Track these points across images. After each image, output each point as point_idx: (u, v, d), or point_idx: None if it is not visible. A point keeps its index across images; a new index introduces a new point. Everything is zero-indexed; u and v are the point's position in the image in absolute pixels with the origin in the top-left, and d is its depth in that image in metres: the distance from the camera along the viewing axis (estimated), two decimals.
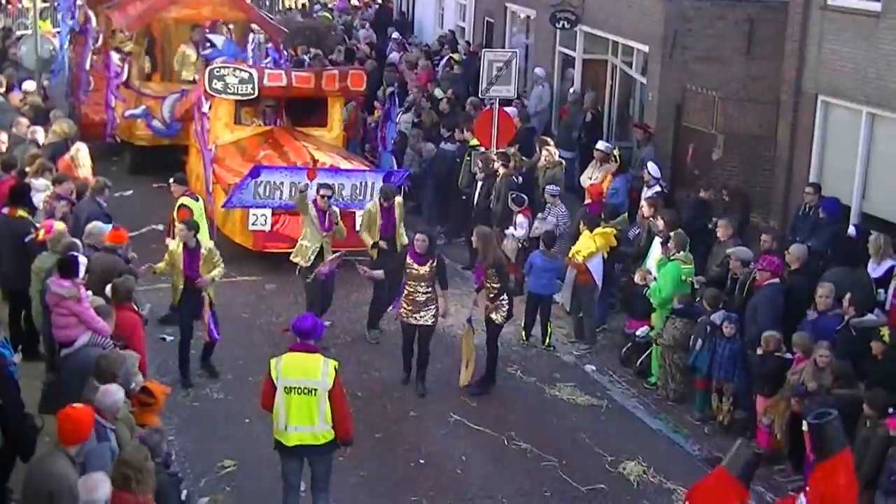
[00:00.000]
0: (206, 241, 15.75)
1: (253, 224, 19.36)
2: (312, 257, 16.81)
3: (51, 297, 12.69)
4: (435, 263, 15.44)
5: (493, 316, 15.72)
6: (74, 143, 19.42)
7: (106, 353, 11.27)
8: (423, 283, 15.36)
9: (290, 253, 17.39)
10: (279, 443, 11.43)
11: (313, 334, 11.53)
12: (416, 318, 15.46)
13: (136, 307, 13.14)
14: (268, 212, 19.27)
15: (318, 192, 17.08)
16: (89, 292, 12.88)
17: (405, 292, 15.51)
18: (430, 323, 15.52)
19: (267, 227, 19.37)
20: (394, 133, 21.64)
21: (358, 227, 18.22)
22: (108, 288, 13.04)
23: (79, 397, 10.10)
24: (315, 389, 11.14)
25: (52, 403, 12.54)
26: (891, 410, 11.88)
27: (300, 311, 17.46)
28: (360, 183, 19.53)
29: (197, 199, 17.60)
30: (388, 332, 17.30)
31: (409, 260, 15.42)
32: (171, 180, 17.67)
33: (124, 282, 12.97)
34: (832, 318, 13.81)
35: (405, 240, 17.06)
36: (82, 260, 13.23)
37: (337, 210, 17.12)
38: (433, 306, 15.48)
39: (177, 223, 16.14)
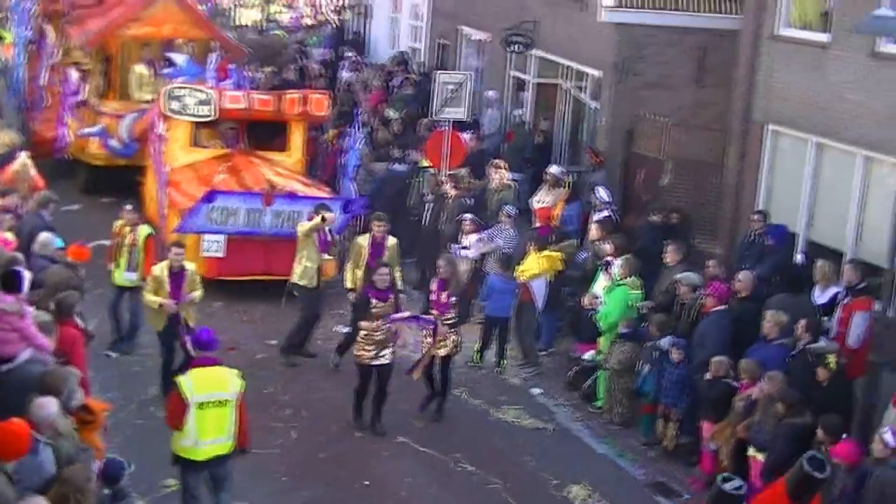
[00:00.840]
0: (188, 263, 15.64)
1: (206, 250, 18.85)
2: (316, 278, 16.91)
3: None
4: (394, 297, 15.08)
5: (443, 350, 15.39)
6: (20, 155, 19.27)
7: (50, 370, 11.12)
8: (383, 321, 14.82)
9: (249, 286, 17.18)
10: (184, 459, 11.50)
11: (212, 346, 11.88)
12: (377, 359, 14.84)
13: (80, 322, 13.00)
14: (222, 238, 18.84)
15: (317, 213, 17.07)
16: (32, 308, 12.73)
17: (361, 333, 14.86)
18: (389, 361, 14.97)
19: (221, 254, 18.89)
20: (355, 160, 21.15)
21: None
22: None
23: (19, 413, 9.96)
24: (228, 401, 11.38)
25: None
26: (845, 436, 11.97)
27: (246, 329, 17.48)
28: None
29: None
30: (331, 351, 17.23)
31: (371, 299, 14.82)
32: (128, 207, 17.16)
33: (67, 297, 12.84)
34: (779, 346, 13.88)
35: (400, 283, 16.48)
36: (27, 275, 13.07)
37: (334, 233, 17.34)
38: (391, 343, 15.01)
39: (166, 251, 15.88)
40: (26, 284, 12.82)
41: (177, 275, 15.15)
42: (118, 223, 16.85)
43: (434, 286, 15.45)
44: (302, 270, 16.92)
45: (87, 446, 10.53)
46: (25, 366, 11.78)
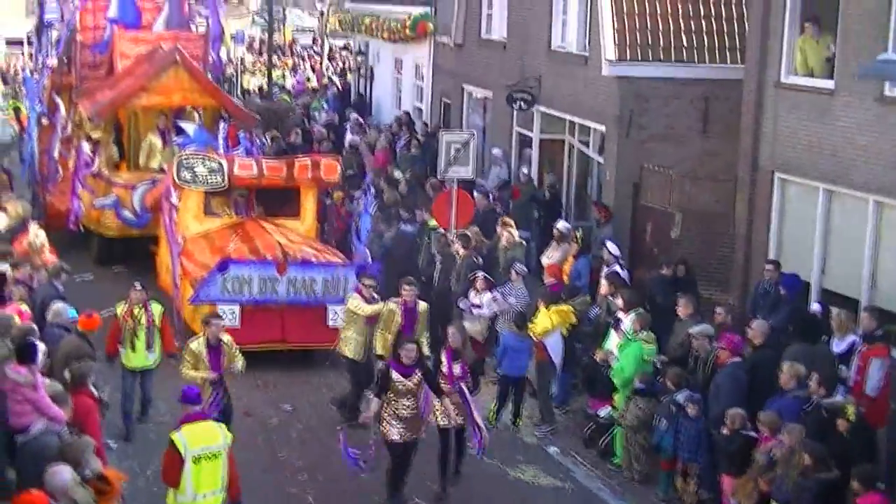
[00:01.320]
0: (224, 334, 15.14)
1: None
2: (364, 353, 16.68)
3: (6, 384, 12.50)
4: (422, 373, 14.20)
5: (445, 422, 14.73)
6: (31, 227, 19.31)
7: (69, 442, 11.15)
8: (408, 398, 14.06)
9: (264, 353, 17.15)
10: None
11: (198, 400, 12.41)
12: (404, 435, 14.11)
13: (93, 391, 12.93)
14: (236, 307, 18.61)
15: (363, 283, 16.85)
16: (46, 379, 12.70)
17: (387, 409, 14.10)
18: (417, 437, 14.33)
19: (236, 324, 18.48)
20: (368, 225, 20.76)
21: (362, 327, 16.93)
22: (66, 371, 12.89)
23: (36, 484, 9.92)
24: (220, 452, 11.73)
25: (6, 490, 12.38)
26: (881, 486, 11.84)
27: (260, 395, 17.40)
28: (332, 277, 19.00)
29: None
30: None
31: (393, 374, 14.05)
32: (137, 286, 16.32)
33: (81, 366, 12.82)
34: (795, 399, 13.76)
35: (427, 349, 16.03)
36: (41, 347, 13.08)
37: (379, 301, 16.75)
38: (421, 422, 14.30)
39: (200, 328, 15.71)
40: (40, 356, 12.84)
41: (215, 348, 14.77)
42: (123, 305, 16.21)
43: (444, 356, 14.90)
44: (348, 343, 16.74)
45: None
46: (40, 437, 11.79)
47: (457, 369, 14.75)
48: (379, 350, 16.59)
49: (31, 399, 12.19)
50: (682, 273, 18.48)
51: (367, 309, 16.55)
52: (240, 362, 15.04)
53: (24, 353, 12.59)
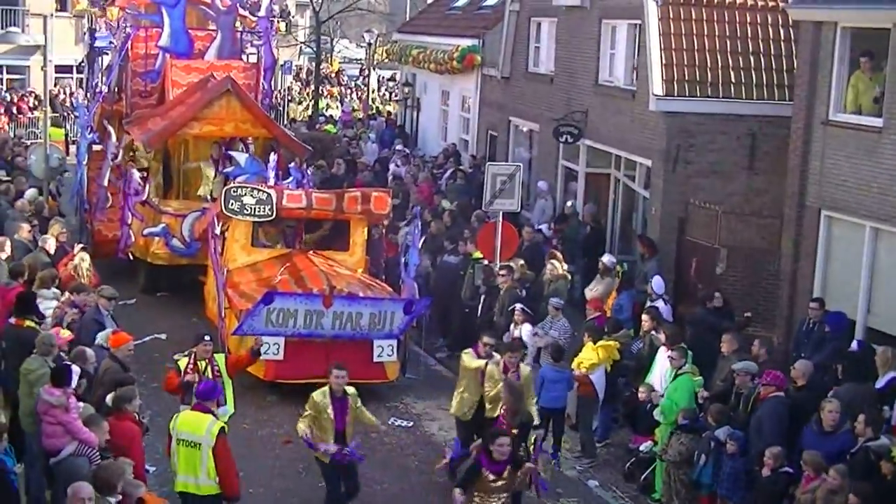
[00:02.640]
0: (348, 387, 14.21)
1: (265, 353, 18.05)
2: (472, 412, 15.71)
3: (41, 405, 12.66)
4: (515, 469, 12.68)
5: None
6: (77, 251, 19.47)
7: (103, 465, 11.20)
8: (497, 496, 12.65)
9: (305, 384, 16.74)
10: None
11: (210, 396, 12.88)
12: None
13: (137, 415, 13.01)
14: (281, 340, 18.46)
15: (482, 340, 15.88)
16: (81, 403, 12.79)
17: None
18: None
19: (280, 357, 18.50)
20: (416, 259, 20.40)
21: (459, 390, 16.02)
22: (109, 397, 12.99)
23: None
24: (199, 444, 12.38)
25: None
26: None
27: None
28: (379, 312, 18.74)
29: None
30: (386, 444, 17.13)
31: (483, 470, 12.53)
32: (207, 338, 15.06)
33: (124, 391, 12.88)
34: (840, 437, 13.64)
35: (534, 416, 15.02)
36: (75, 370, 13.19)
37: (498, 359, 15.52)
38: None
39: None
40: (75, 379, 12.95)
41: (340, 399, 13.95)
42: (185, 359, 14.74)
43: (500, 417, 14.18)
44: (459, 401, 15.89)
45: None
46: (70, 460, 11.94)
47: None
48: (454, 411, 16.05)
49: (63, 421, 12.34)
50: (720, 304, 18.44)
51: (474, 363, 15.64)
52: (369, 416, 14.44)
53: (59, 376, 12.75)
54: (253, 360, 15.68)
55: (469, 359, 15.74)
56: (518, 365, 15.35)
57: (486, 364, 15.45)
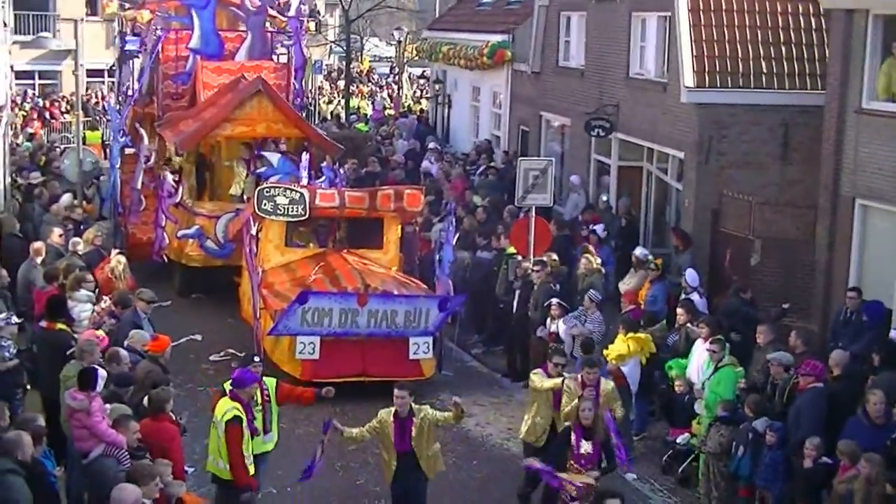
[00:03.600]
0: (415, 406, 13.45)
1: (300, 352, 18.50)
2: (545, 437, 14.67)
3: (66, 409, 12.77)
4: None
5: None
6: (113, 254, 19.58)
7: (137, 465, 11.28)
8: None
9: (341, 383, 16.78)
10: None
11: (243, 384, 13.18)
12: None
13: (172, 416, 13.07)
14: (316, 339, 18.50)
15: (552, 360, 14.85)
16: (108, 405, 12.85)
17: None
18: None
19: (316, 356, 18.54)
20: (450, 256, 20.29)
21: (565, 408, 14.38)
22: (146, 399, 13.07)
23: None
24: (216, 425, 12.94)
25: None
26: None
27: (339, 421, 17.40)
28: (414, 309, 18.77)
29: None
30: None
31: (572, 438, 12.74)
32: (256, 360, 14.35)
33: (159, 393, 12.96)
34: (884, 428, 13.56)
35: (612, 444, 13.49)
36: (101, 373, 13.27)
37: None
38: None
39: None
40: (101, 383, 13.02)
41: (403, 420, 13.21)
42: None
43: (573, 435, 12.99)
44: (531, 426, 14.73)
45: None
46: (100, 461, 11.99)
47: (586, 448, 12.96)
48: (524, 434, 14.98)
49: (86, 425, 12.39)
50: (749, 297, 18.45)
51: (548, 383, 14.57)
52: (445, 420, 13.53)
53: (85, 379, 12.81)
54: (312, 398, 14.53)
55: (540, 379, 14.68)
56: (599, 380, 14.26)
57: (563, 381, 14.42)
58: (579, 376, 14.25)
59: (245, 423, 12.90)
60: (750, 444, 14.70)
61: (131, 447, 12.12)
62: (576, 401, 13.51)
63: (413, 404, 13.25)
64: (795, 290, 19.51)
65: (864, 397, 13.89)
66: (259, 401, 13.69)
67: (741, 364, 16.22)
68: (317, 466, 13.52)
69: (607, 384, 14.62)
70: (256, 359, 14.37)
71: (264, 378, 14.01)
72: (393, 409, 13.19)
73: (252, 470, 13.16)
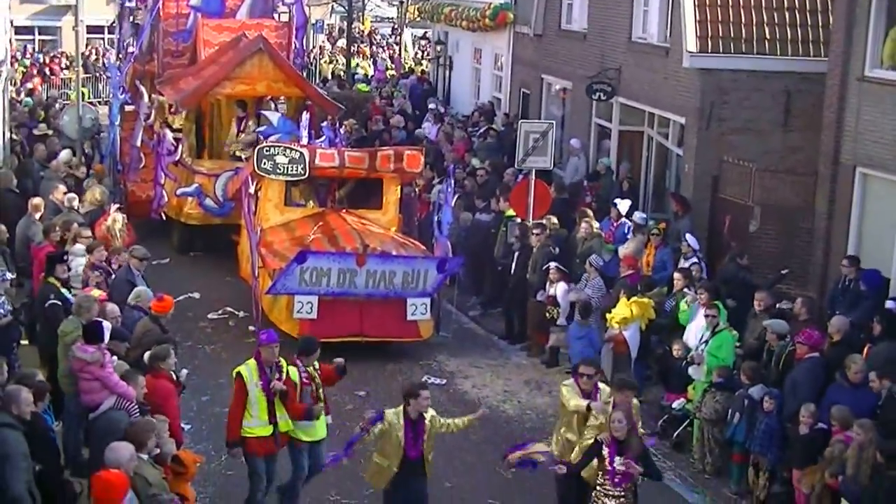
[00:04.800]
0: (430, 410, 12.56)
1: (298, 312, 18.52)
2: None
3: (75, 363, 12.80)
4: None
5: None
6: (110, 211, 19.58)
7: (135, 421, 11.34)
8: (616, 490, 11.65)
9: (338, 343, 16.82)
10: None
11: (263, 341, 13.03)
12: None
13: (172, 374, 13.10)
14: (314, 299, 18.52)
15: (581, 371, 13.03)
16: (114, 357, 12.93)
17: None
18: None
19: (313, 315, 18.55)
20: (449, 217, 20.39)
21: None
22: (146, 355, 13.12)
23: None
24: None
25: (82, 469, 12.66)
26: None
27: (342, 382, 17.48)
28: (413, 270, 18.79)
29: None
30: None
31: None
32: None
33: (159, 349, 13.00)
34: (867, 391, 13.64)
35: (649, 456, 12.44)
36: (107, 325, 13.31)
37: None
38: None
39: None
40: (107, 335, 13.08)
41: (415, 422, 12.21)
42: (252, 370, 12.99)
43: (605, 449, 11.75)
44: (561, 442, 13.07)
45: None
46: (109, 414, 12.06)
47: (619, 465, 11.64)
48: (553, 447, 13.20)
49: (99, 377, 12.48)
50: (746, 263, 18.55)
51: (573, 402, 12.80)
52: (454, 427, 12.74)
53: (91, 333, 12.88)
54: (333, 376, 13.68)
55: (570, 394, 12.88)
56: (630, 402, 12.49)
57: (589, 406, 12.62)
58: (612, 401, 12.47)
59: (254, 383, 12.72)
60: (745, 411, 14.76)
61: (138, 401, 12.19)
62: (607, 411, 12.22)
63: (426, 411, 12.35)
64: (794, 257, 19.51)
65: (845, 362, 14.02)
66: (299, 382, 12.95)
67: (735, 330, 16.27)
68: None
69: (635, 402, 12.91)
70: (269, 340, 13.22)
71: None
72: (400, 409, 12.20)
73: (269, 431, 12.83)
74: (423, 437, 12.19)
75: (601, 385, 12.96)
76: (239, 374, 12.80)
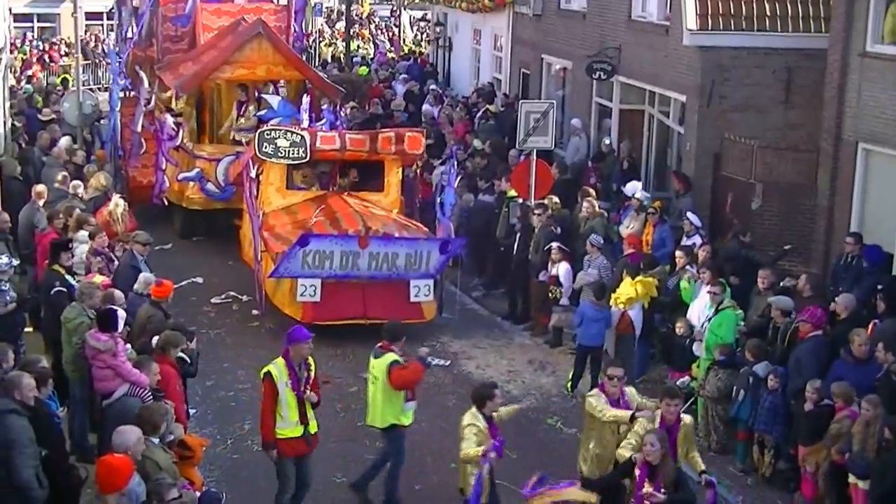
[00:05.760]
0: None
1: (302, 295, 18.52)
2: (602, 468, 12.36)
3: (88, 350, 12.82)
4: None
5: None
6: (113, 197, 19.58)
7: (148, 405, 11.36)
8: None
9: (342, 325, 16.77)
10: None
11: (291, 339, 12.57)
12: None
13: (175, 360, 13.08)
14: (317, 282, 18.51)
15: (608, 374, 12.62)
16: (128, 345, 12.96)
17: None
18: None
19: (317, 298, 18.58)
20: (452, 199, 20.48)
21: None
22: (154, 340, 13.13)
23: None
24: None
25: (88, 455, 12.68)
26: None
27: (338, 364, 17.53)
28: (415, 252, 18.81)
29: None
30: (423, 382, 17.24)
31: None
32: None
33: (173, 336, 13.03)
34: (874, 366, 13.66)
35: (701, 465, 12.15)
36: (121, 314, 13.32)
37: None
38: None
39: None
40: (121, 324, 13.09)
41: (489, 418, 12.11)
42: (272, 367, 12.56)
43: (637, 472, 11.10)
44: (591, 458, 12.48)
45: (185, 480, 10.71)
46: (122, 401, 12.08)
47: (648, 490, 11.02)
48: (583, 466, 12.66)
49: (112, 365, 12.50)
50: (749, 241, 18.56)
51: (609, 413, 12.12)
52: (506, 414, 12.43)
53: (105, 321, 12.89)
54: (421, 372, 13.57)
55: (600, 404, 12.19)
56: (679, 415, 11.91)
57: (633, 419, 11.82)
58: (658, 414, 11.81)
59: (284, 382, 12.28)
60: (750, 389, 14.77)
61: (151, 387, 12.21)
62: (644, 423, 11.62)
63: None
64: (796, 234, 19.49)
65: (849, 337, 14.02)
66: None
67: (740, 307, 16.27)
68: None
69: (688, 419, 12.19)
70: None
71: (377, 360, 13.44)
72: (474, 411, 11.99)
73: (299, 431, 12.50)
74: (497, 433, 12.03)
75: (627, 389, 12.49)
76: (268, 373, 12.33)
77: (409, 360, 13.38)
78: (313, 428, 12.71)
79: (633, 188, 20.89)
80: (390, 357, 13.17)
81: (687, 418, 12.03)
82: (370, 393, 13.42)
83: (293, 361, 12.44)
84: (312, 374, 12.63)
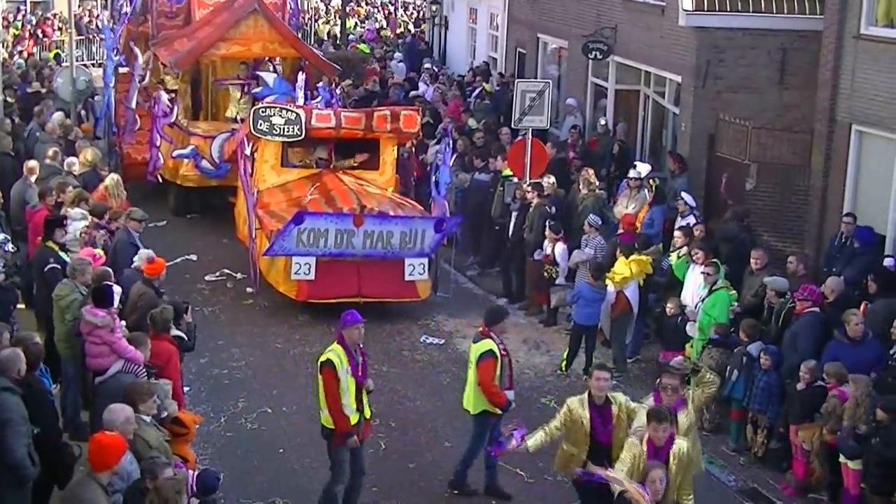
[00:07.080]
0: (617, 394, 12.01)
1: (296, 273, 18.49)
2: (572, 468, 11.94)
3: (84, 326, 12.81)
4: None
5: None
6: (108, 173, 19.54)
7: (134, 382, 11.36)
8: None
9: (336, 303, 16.75)
10: None
11: (344, 323, 12.08)
12: None
13: (174, 336, 13.10)
14: (312, 260, 18.48)
15: (592, 374, 12.10)
16: (123, 322, 12.97)
17: None
18: None
19: (311, 277, 18.55)
20: (447, 178, 20.32)
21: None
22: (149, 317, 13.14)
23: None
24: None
25: (81, 432, 12.70)
26: None
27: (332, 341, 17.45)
28: (410, 230, 18.78)
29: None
30: (418, 361, 17.30)
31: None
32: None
33: (162, 312, 13.00)
34: (868, 345, 13.70)
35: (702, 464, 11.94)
36: (116, 289, 13.33)
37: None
38: None
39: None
40: (116, 299, 13.10)
41: (601, 408, 11.58)
42: (340, 355, 12.13)
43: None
44: (563, 457, 12.13)
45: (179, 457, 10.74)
46: (117, 377, 12.08)
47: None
48: (556, 465, 12.46)
49: (108, 341, 12.49)
50: (746, 222, 18.51)
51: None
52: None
53: (101, 296, 12.89)
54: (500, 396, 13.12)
55: (578, 408, 11.76)
56: (671, 438, 10.84)
57: (630, 441, 11.00)
58: (645, 437, 10.80)
59: (345, 369, 11.89)
60: (744, 368, 14.82)
61: (145, 364, 12.23)
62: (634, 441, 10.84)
63: (609, 392, 11.76)
64: (790, 215, 19.53)
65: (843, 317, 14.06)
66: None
67: (733, 288, 16.31)
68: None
69: (688, 416, 11.68)
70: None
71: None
72: (585, 397, 11.61)
73: (356, 418, 12.08)
74: (612, 423, 11.52)
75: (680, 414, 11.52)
76: (329, 361, 11.87)
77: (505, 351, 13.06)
78: (367, 413, 12.39)
79: (643, 169, 20.75)
80: (485, 345, 12.87)
81: (682, 445, 10.90)
82: (469, 377, 13.16)
83: (351, 347, 12.07)
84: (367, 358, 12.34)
